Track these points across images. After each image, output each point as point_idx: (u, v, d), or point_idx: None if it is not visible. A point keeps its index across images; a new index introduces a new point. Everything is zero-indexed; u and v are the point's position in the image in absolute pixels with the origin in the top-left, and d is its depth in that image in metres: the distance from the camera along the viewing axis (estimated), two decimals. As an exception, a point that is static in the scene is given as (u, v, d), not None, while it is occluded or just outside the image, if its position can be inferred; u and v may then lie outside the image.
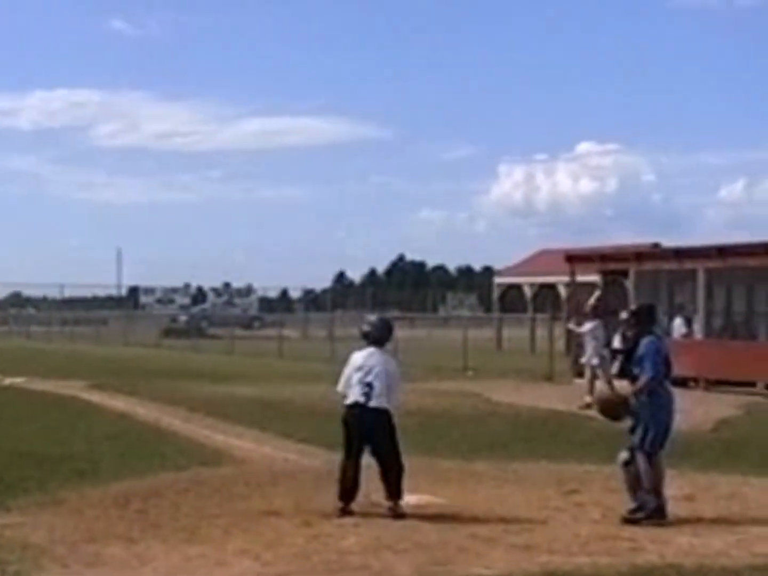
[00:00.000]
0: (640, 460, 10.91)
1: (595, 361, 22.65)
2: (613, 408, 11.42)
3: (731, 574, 8.55)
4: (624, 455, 11.08)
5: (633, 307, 11.76)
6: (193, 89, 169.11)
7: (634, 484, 10.95)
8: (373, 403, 11.03)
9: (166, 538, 9.96)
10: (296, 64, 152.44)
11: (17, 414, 20.41)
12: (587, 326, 23.01)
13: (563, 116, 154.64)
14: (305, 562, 9.01)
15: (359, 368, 11.19)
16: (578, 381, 25.23)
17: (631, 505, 10.87)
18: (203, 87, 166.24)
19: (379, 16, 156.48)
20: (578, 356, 24.81)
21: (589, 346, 22.97)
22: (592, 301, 23.94)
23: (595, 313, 23.30)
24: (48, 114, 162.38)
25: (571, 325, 24.34)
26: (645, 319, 11.46)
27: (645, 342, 11.17)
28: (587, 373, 22.81)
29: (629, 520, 10.69)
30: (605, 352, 22.70)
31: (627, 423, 11.19)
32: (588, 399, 21.08)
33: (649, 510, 10.75)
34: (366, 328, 11.53)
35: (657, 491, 10.87)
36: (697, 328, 28.70)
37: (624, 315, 11.75)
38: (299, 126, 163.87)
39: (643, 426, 10.94)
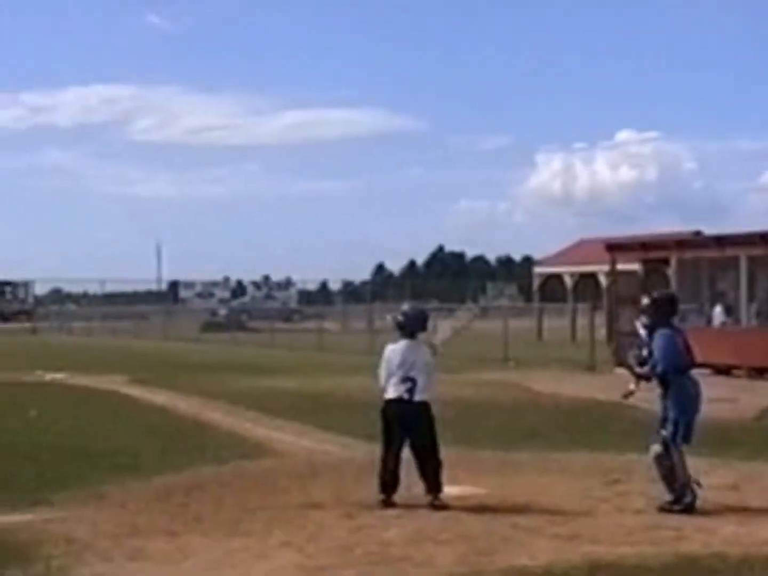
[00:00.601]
0: (674, 454, 10.82)
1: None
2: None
3: (777, 563, 8.45)
4: (657, 449, 10.99)
5: (653, 295, 11.57)
6: (228, 82, 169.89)
7: (669, 477, 10.86)
8: (417, 398, 11.00)
9: (208, 531, 9.96)
10: (331, 56, 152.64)
11: (58, 409, 20.51)
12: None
13: (602, 104, 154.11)
14: (347, 554, 8.99)
15: (400, 364, 11.13)
16: (619, 370, 25.09)
17: (668, 497, 10.78)
18: (238, 80, 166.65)
19: (414, 7, 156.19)
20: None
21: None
22: (646, 300, 23.77)
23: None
24: (85, 109, 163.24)
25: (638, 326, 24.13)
26: (663, 310, 11.32)
27: (659, 334, 11.07)
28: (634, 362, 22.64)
29: (666, 511, 10.61)
30: None
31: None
32: (632, 386, 20.98)
33: (686, 504, 10.66)
34: (400, 318, 11.45)
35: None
36: (744, 315, 28.40)
37: (645, 301, 11.57)
38: (335, 118, 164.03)
39: (673, 420, 10.84)
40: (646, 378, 11.19)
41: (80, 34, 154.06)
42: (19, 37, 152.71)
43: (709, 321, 29.52)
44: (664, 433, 10.89)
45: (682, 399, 10.91)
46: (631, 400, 11.95)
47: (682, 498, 10.70)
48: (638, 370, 11.28)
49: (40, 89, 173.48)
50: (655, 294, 11.71)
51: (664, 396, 10.94)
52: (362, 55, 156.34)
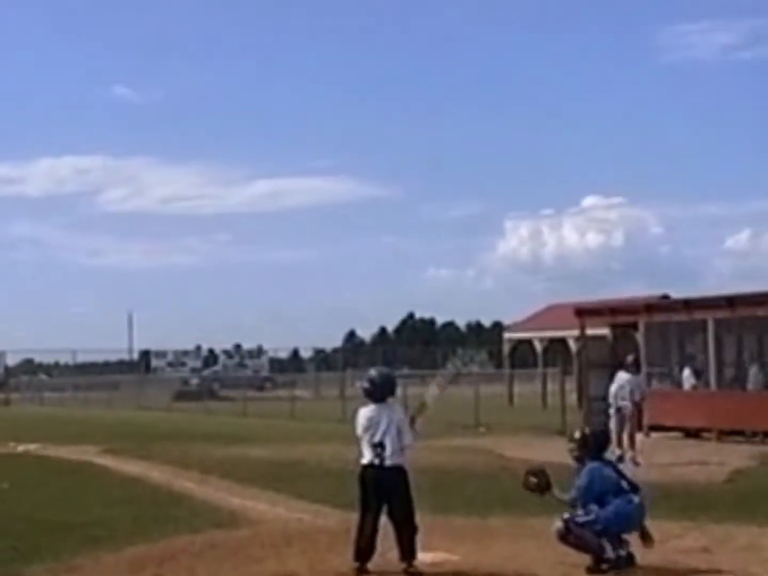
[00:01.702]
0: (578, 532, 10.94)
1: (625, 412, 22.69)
2: (532, 478, 11.47)
3: (750, 626, 8.51)
4: (558, 525, 11.07)
5: (577, 434, 11.71)
6: (198, 152, 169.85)
7: (580, 545, 10.95)
8: (387, 463, 11.01)
9: (183, 601, 9.94)
10: (301, 125, 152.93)
11: (31, 481, 20.40)
12: (632, 378, 23.00)
13: (568, 171, 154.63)
14: (322, 623, 8.99)
15: (366, 429, 11.14)
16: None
17: (589, 560, 10.90)
18: (208, 150, 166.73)
19: (383, 77, 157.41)
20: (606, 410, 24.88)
21: (625, 400, 22.95)
22: (631, 357, 24.02)
23: (635, 366, 23.34)
24: (55, 181, 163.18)
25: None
26: (591, 446, 11.47)
27: (587, 468, 11.21)
28: (616, 426, 22.75)
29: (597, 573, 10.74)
30: (632, 407, 22.72)
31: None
32: (618, 451, 21.20)
33: (610, 558, 10.80)
34: (366, 385, 11.33)
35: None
36: (752, 379, 28.49)
37: (576, 434, 11.70)
38: (305, 187, 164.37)
39: (592, 519, 10.93)
40: (571, 505, 11.25)
41: (50, 106, 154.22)
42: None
43: (679, 384, 29.69)
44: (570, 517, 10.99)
45: (617, 516, 10.98)
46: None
47: (602, 555, 10.81)
48: (561, 495, 11.35)
49: (11, 161, 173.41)
50: (586, 429, 11.93)
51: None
52: (332, 124, 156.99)
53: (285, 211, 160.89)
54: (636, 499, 11.15)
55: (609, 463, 11.43)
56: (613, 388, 23.34)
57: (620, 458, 21.07)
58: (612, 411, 22.80)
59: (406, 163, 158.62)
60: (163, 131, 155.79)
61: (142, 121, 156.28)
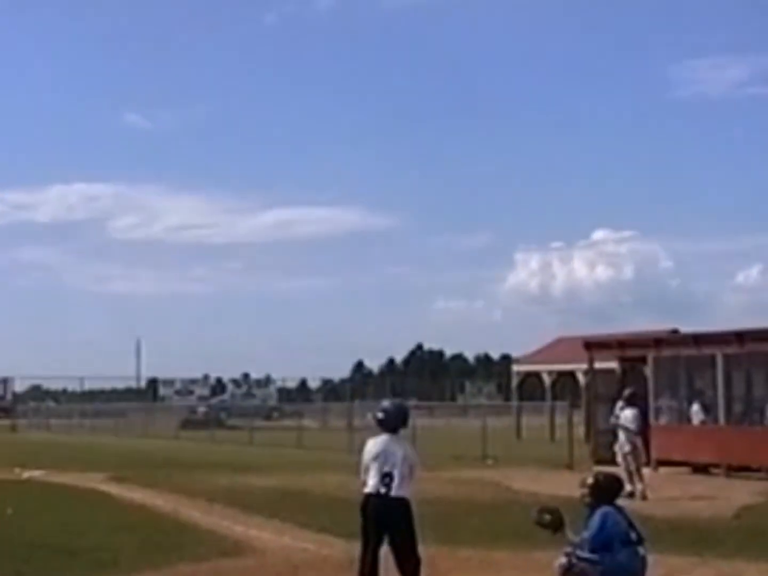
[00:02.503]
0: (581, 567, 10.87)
1: (626, 448, 22.74)
2: (546, 515, 11.41)
3: None
4: (562, 561, 11.01)
5: (590, 480, 11.61)
6: (208, 181, 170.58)
7: None
8: (393, 494, 10.96)
9: (186, 629, 9.91)
10: (311, 156, 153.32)
11: (36, 507, 20.37)
12: (627, 413, 23.02)
13: (578, 204, 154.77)
14: None
15: (376, 457, 11.11)
16: (598, 469, 25.13)
17: None
18: (218, 179, 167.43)
19: (391, 107, 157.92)
20: (612, 443, 24.85)
21: (623, 434, 23.03)
22: (627, 391, 24.05)
23: (632, 401, 23.37)
24: (66, 207, 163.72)
25: (613, 418, 24.27)
26: (604, 492, 11.40)
27: (601, 511, 11.14)
28: (623, 462, 22.75)
29: None
30: (639, 441, 22.77)
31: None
32: (629, 488, 21.14)
33: None
34: (380, 415, 11.39)
35: None
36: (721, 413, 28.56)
37: (589, 480, 11.61)
38: (315, 217, 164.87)
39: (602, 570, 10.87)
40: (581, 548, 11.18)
41: (61, 133, 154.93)
42: (2, 137, 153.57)
43: (688, 419, 29.60)
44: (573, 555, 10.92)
45: (619, 565, 10.90)
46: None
47: None
48: (573, 537, 11.29)
49: (22, 187, 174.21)
50: (600, 475, 11.82)
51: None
52: (343, 154, 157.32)
53: (294, 240, 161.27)
54: (641, 551, 11.08)
55: (621, 510, 11.34)
56: (612, 419, 23.51)
57: (631, 494, 21.05)
58: (627, 447, 22.83)
59: (416, 193, 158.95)
60: (174, 159, 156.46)
61: (152, 149, 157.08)
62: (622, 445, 22.97)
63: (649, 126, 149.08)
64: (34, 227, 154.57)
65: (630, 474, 22.07)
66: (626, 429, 22.92)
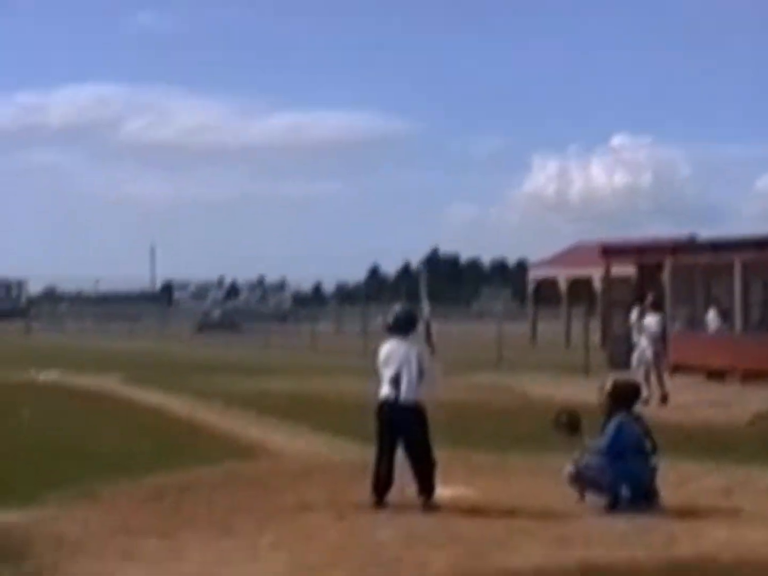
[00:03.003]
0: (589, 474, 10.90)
1: (648, 353, 22.67)
2: (564, 417, 11.40)
3: (768, 568, 8.46)
4: (569, 469, 11.03)
5: (608, 386, 11.55)
6: (221, 84, 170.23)
7: (593, 486, 10.90)
8: (402, 398, 10.97)
9: (201, 531, 9.95)
10: (325, 58, 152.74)
11: (51, 409, 20.48)
12: (650, 319, 22.89)
13: (597, 108, 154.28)
14: (339, 556, 8.98)
15: (386, 362, 11.14)
16: (613, 374, 25.15)
17: (602, 502, 10.83)
18: (231, 81, 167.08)
19: (410, 10, 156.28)
20: (629, 349, 24.85)
21: (645, 340, 22.92)
22: (650, 297, 23.96)
23: (655, 307, 23.23)
24: (77, 110, 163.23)
25: (635, 324, 24.19)
26: (621, 401, 11.34)
27: (616, 420, 11.09)
28: (641, 367, 22.69)
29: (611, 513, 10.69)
30: (661, 347, 22.68)
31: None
32: (646, 393, 21.18)
33: (624, 496, 10.76)
34: (389, 320, 11.42)
35: None
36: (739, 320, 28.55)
37: (608, 385, 11.55)
38: (330, 120, 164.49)
39: (610, 481, 10.84)
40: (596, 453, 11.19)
41: (73, 34, 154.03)
42: (14, 37, 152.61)
43: (703, 326, 29.54)
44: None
45: (624, 475, 10.87)
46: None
47: (617, 495, 10.75)
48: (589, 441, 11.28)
49: (33, 88, 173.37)
50: (618, 381, 11.76)
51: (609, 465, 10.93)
52: (357, 57, 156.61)
53: (309, 143, 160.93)
54: (653, 461, 11.07)
55: (638, 418, 11.31)
56: (633, 325, 23.44)
57: (646, 401, 21.06)
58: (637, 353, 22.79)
59: (433, 96, 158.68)
60: (186, 61, 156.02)
61: (165, 50, 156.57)
62: (644, 350, 22.89)
63: (672, 27, 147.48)
64: (45, 130, 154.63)
65: (648, 379, 22.05)
66: (649, 335, 22.81)
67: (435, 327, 11.85)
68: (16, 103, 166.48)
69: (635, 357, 23.09)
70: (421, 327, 11.91)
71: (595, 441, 11.11)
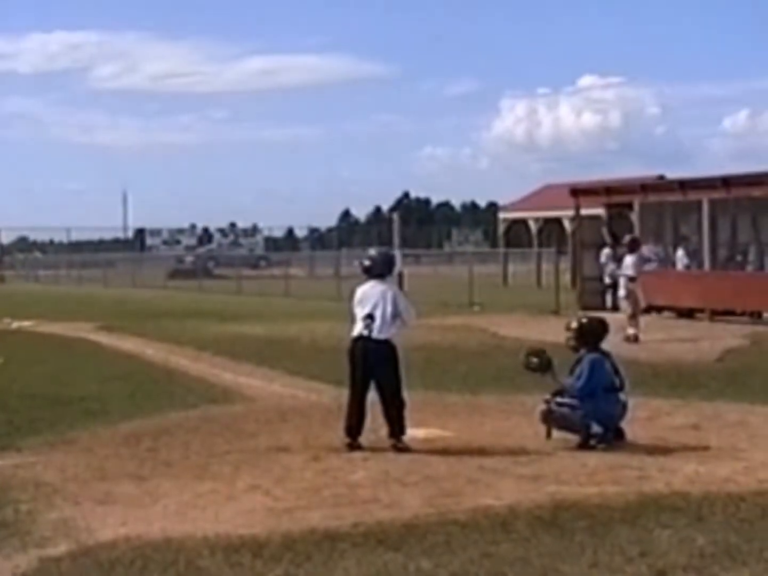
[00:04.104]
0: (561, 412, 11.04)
1: (622, 293, 22.88)
2: (533, 358, 11.53)
3: (737, 501, 8.61)
4: (542, 407, 11.18)
5: (574, 323, 11.66)
6: (192, 28, 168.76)
7: (565, 424, 11.05)
8: (374, 335, 11.06)
9: (177, 475, 10.05)
10: (297, 2, 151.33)
11: (27, 356, 20.49)
12: (629, 260, 23.01)
13: (565, 50, 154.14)
14: (315, 496, 9.09)
15: (360, 301, 11.26)
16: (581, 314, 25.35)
17: (578, 438, 11.00)
18: (203, 26, 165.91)
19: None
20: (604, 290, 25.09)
21: (622, 279, 23.11)
22: (627, 237, 24.09)
23: (632, 247, 23.34)
24: (47, 56, 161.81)
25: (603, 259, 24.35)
26: (588, 336, 11.45)
27: (589, 359, 11.21)
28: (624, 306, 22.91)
29: (585, 448, 10.84)
30: (635, 287, 22.80)
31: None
32: (631, 331, 21.43)
33: (598, 434, 10.92)
34: (366, 262, 11.53)
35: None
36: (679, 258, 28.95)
37: (573, 324, 11.65)
38: (301, 64, 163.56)
39: (583, 417, 10.97)
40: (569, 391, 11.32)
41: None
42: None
43: (673, 264, 29.74)
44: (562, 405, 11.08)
45: (602, 413, 11.00)
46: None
47: (589, 431, 10.92)
48: (560, 379, 11.41)
49: (1, 35, 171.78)
50: (583, 319, 11.88)
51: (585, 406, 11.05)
52: (328, 1, 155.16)
53: (280, 88, 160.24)
54: (623, 397, 11.22)
55: (607, 355, 11.44)
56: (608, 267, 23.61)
57: (636, 338, 21.35)
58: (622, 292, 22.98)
59: (403, 40, 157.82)
60: (156, 6, 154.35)
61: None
62: (620, 290, 23.13)
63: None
64: (15, 77, 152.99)
65: (635, 318, 22.27)
66: (624, 275, 22.97)
67: (405, 273, 11.97)
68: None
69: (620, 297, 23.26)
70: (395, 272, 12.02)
71: (572, 381, 11.24)
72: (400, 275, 12.01)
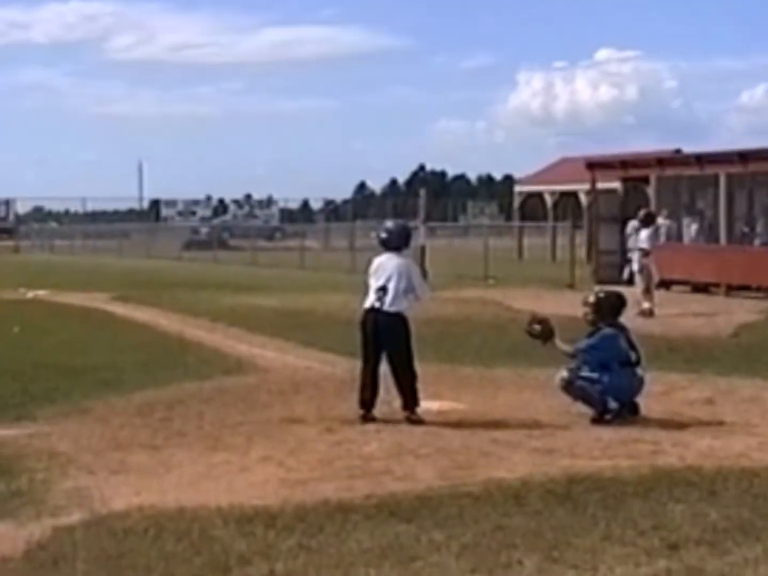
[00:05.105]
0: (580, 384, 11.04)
1: (635, 267, 22.87)
2: (536, 325, 11.53)
3: (750, 476, 8.59)
4: (563, 374, 11.15)
5: (591, 298, 11.61)
6: (207, 1, 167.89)
7: (583, 396, 11.04)
8: (386, 308, 11.04)
9: (191, 445, 10.07)
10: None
11: (41, 326, 20.54)
12: (643, 234, 22.96)
13: (582, 23, 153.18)
14: (328, 468, 9.10)
15: (374, 273, 11.25)
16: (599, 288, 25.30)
17: (592, 412, 10.98)
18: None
19: None
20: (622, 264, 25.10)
21: (636, 254, 23.08)
22: (642, 212, 24.05)
23: (647, 221, 23.26)
24: (63, 27, 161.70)
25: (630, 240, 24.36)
26: (606, 310, 11.41)
27: (603, 333, 11.19)
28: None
29: (598, 423, 10.82)
30: (649, 261, 22.70)
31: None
32: (646, 305, 21.41)
33: (613, 408, 10.93)
34: (383, 234, 11.49)
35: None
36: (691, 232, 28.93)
37: (590, 299, 11.60)
38: (317, 36, 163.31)
39: (598, 386, 10.95)
40: (572, 356, 11.32)
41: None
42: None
43: (680, 237, 29.66)
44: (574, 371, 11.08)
45: (616, 387, 10.99)
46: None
47: (605, 406, 10.91)
48: (562, 346, 11.40)
49: (17, 5, 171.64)
50: (600, 293, 11.82)
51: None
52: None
53: (296, 60, 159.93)
54: (639, 372, 11.20)
55: (624, 329, 11.41)
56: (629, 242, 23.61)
57: (651, 312, 21.33)
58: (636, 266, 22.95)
59: (418, 12, 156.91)
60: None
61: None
62: (634, 264, 23.11)
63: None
64: (31, 47, 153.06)
65: (650, 292, 22.27)
66: (639, 248, 22.93)
67: (428, 247, 11.90)
68: (1, 20, 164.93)
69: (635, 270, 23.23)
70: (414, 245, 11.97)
71: (576, 345, 11.27)
72: (423, 249, 11.95)
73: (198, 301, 25.56)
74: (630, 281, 22.92)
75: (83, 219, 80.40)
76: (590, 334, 11.38)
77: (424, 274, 11.83)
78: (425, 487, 8.42)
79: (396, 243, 11.41)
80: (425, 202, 12.15)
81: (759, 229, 28.35)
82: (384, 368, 11.23)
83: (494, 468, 9.04)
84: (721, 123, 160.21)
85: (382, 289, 11.07)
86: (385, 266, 11.20)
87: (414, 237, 12.03)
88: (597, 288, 13.87)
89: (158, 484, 8.66)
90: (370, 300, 11.16)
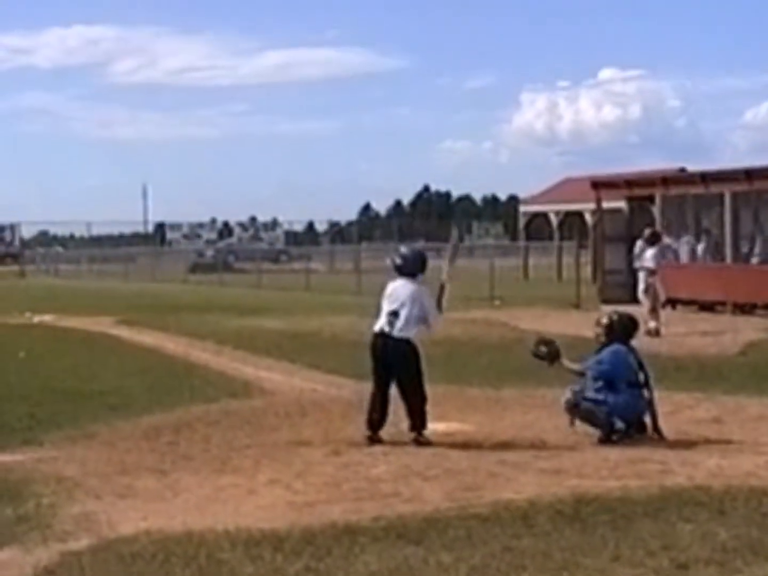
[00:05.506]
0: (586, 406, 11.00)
1: (641, 286, 22.90)
2: (542, 347, 11.51)
3: (759, 495, 8.56)
4: (567, 395, 11.13)
5: (605, 320, 11.57)
6: (209, 23, 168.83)
7: (588, 417, 11.01)
8: (396, 333, 11.02)
9: (197, 469, 10.05)
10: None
11: (47, 351, 20.54)
12: (649, 253, 22.99)
13: (585, 43, 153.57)
14: (335, 490, 9.08)
15: (388, 297, 11.22)
16: (605, 308, 25.25)
17: (599, 433, 10.95)
18: (220, 20, 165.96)
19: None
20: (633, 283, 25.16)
21: (642, 274, 23.12)
22: (648, 231, 24.06)
23: (652, 240, 23.29)
24: (65, 51, 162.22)
25: (636, 261, 24.40)
26: (618, 335, 11.39)
27: (612, 348, 11.18)
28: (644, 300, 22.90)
29: (605, 443, 10.79)
30: (655, 280, 22.69)
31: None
32: (652, 324, 21.37)
33: (619, 429, 10.89)
34: (398, 261, 11.39)
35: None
36: (699, 249, 28.92)
37: (603, 320, 11.56)
38: (320, 57, 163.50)
39: (603, 406, 10.92)
40: (580, 374, 11.31)
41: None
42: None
43: (694, 257, 29.61)
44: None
45: (622, 405, 10.97)
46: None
47: (612, 428, 10.88)
48: (570, 365, 11.39)
49: (20, 30, 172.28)
50: (614, 315, 11.76)
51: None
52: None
53: (299, 82, 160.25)
54: (647, 394, 11.17)
55: (633, 350, 11.39)
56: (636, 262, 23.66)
57: (657, 331, 21.29)
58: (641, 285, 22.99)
59: (422, 34, 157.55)
60: (174, 0, 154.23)
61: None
62: (640, 283, 23.14)
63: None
64: (34, 72, 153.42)
65: (656, 311, 22.25)
66: (644, 268, 22.96)
67: (448, 290, 11.76)
68: (3, 46, 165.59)
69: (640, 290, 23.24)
70: (428, 276, 11.80)
71: (584, 363, 11.27)
72: (442, 287, 11.86)
73: (204, 324, 25.54)
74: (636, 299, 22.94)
75: (88, 243, 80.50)
76: (598, 351, 11.37)
77: (441, 298, 11.71)
78: (433, 508, 8.40)
79: (410, 269, 11.33)
80: (454, 253, 11.74)
81: (757, 248, 28.30)
82: (393, 390, 11.21)
83: (502, 489, 9.02)
84: (725, 141, 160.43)
85: (394, 314, 11.03)
86: (400, 292, 11.16)
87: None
88: (609, 309, 13.83)
89: (165, 508, 8.65)
90: (380, 323, 11.13)
